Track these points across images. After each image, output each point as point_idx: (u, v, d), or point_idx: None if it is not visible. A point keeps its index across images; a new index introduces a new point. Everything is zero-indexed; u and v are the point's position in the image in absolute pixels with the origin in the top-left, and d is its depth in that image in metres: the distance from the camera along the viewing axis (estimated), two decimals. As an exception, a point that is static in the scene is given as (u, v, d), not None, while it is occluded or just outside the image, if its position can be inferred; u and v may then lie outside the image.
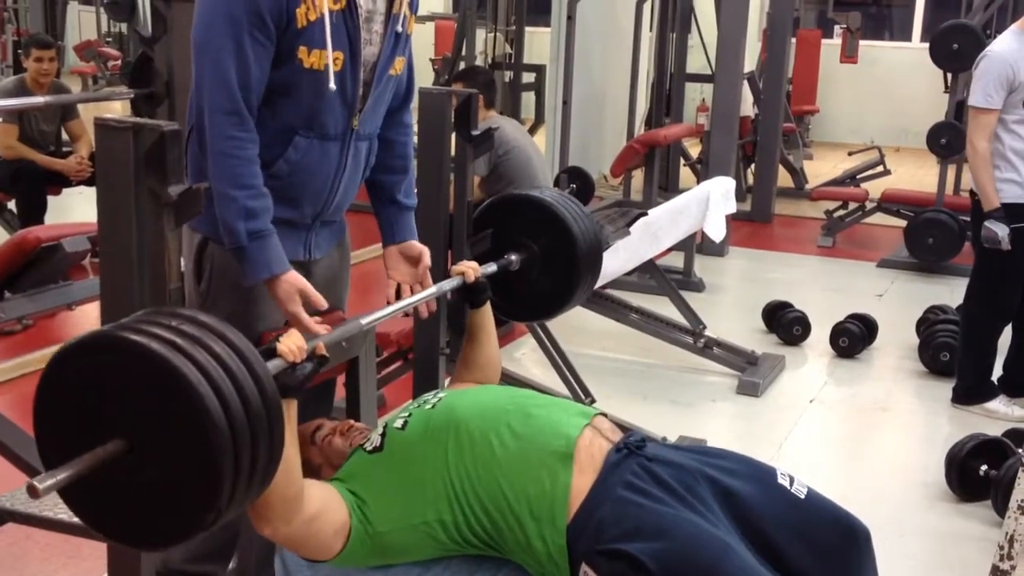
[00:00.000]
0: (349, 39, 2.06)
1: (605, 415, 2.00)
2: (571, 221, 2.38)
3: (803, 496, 1.87)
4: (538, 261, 2.41)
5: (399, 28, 2.16)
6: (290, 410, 1.69)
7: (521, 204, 2.46)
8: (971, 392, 4.23)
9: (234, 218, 1.96)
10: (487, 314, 2.31)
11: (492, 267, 2.30)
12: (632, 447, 1.87)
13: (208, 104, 1.96)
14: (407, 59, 2.23)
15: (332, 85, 2.04)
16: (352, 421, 2.11)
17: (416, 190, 2.64)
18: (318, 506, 1.78)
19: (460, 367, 2.33)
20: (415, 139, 2.46)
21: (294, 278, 2.02)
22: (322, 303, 2.02)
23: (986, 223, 3.92)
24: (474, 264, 2.26)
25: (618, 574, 1.73)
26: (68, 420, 1.39)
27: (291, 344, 1.66)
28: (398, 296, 2.25)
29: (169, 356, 1.33)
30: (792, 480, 1.89)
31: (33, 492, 1.26)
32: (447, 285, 2.21)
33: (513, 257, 2.38)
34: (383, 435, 1.94)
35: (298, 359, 1.66)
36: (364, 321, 1.92)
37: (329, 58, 2.02)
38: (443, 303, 2.57)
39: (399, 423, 1.95)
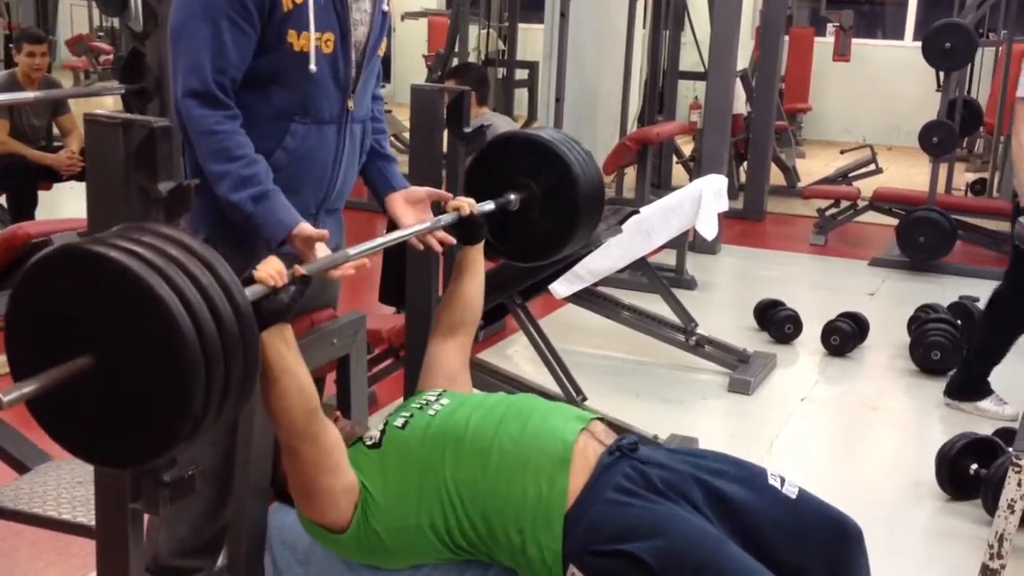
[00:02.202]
0: (339, 20, 2.05)
1: (602, 419, 2.00)
2: (572, 161, 2.34)
3: (794, 496, 1.87)
4: (538, 201, 2.35)
5: (385, 7, 2.16)
6: (285, 333, 1.71)
7: (522, 143, 2.41)
8: (964, 388, 4.22)
9: (231, 191, 1.95)
10: (478, 252, 2.29)
11: (490, 205, 2.25)
12: (625, 450, 1.88)
13: (182, 88, 1.94)
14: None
15: (312, 67, 2.02)
16: (339, 412, 2.11)
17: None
18: (336, 440, 1.82)
19: (442, 307, 2.31)
20: (407, 135, 2.46)
21: (299, 230, 1.98)
22: (324, 234, 1.98)
23: (1020, 219, 3.81)
24: (471, 200, 2.22)
25: (613, 571, 1.73)
26: (38, 335, 1.37)
27: (269, 269, 1.64)
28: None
29: (132, 266, 1.30)
30: (783, 481, 1.89)
31: None
32: (443, 220, 2.17)
33: (512, 196, 2.32)
34: (383, 432, 1.95)
35: (279, 283, 1.63)
36: (352, 251, 1.87)
37: (312, 40, 2.00)
38: (435, 300, 2.57)
39: (400, 422, 1.96)
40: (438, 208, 2.30)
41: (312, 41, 2.01)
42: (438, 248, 2.22)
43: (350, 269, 1.87)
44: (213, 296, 1.35)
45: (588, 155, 2.41)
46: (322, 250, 1.97)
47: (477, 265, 2.30)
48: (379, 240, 1.97)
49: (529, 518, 1.80)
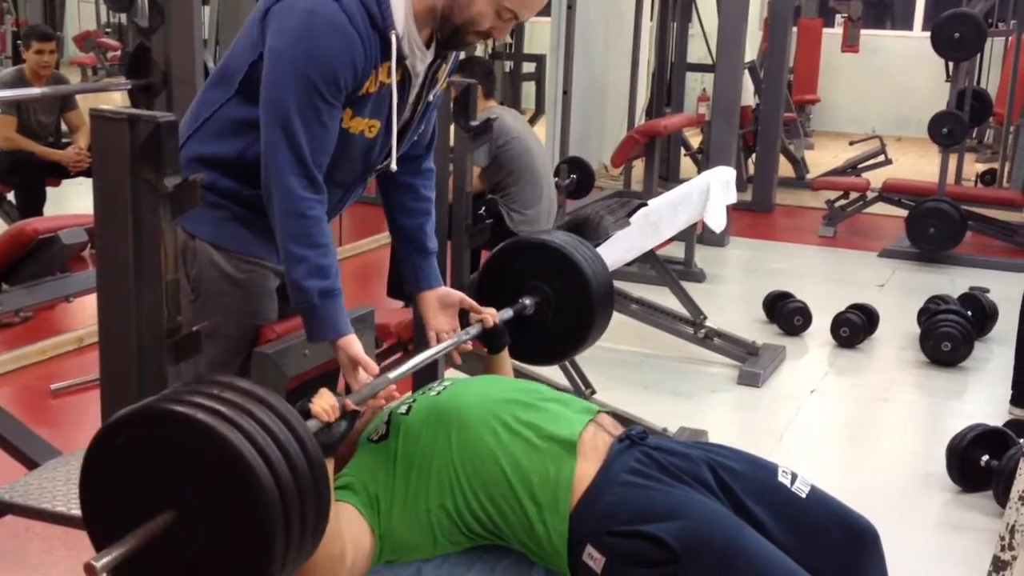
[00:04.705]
0: (389, 109, 2.03)
1: (609, 413, 2.01)
2: (583, 264, 2.39)
3: (804, 495, 1.85)
4: (552, 304, 2.41)
5: (430, 98, 2.14)
6: (328, 469, 1.71)
7: (532, 249, 2.47)
8: (1014, 397, 4.07)
9: (304, 277, 1.94)
10: (505, 360, 2.34)
11: (508, 312, 2.32)
12: (635, 438, 1.90)
13: (277, 165, 1.92)
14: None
15: (393, 166, 2.07)
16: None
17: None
18: (353, 549, 1.79)
19: None
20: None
21: (348, 345, 1.99)
22: (374, 369, 1.98)
23: None
24: (492, 310, 2.27)
25: (632, 550, 1.74)
26: (115, 495, 1.39)
27: (324, 404, 1.67)
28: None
29: (214, 424, 1.33)
30: (794, 478, 1.88)
31: (91, 572, 1.28)
32: (469, 332, 2.23)
33: (527, 301, 2.38)
34: (387, 423, 1.96)
35: (332, 418, 1.67)
36: (392, 375, 1.90)
37: (362, 124, 2.01)
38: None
39: (403, 408, 1.97)
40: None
41: (361, 126, 2.01)
42: (458, 361, 2.28)
43: (382, 401, 1.91)
44: (290, 450, 1.39)
45: (596, 255, 2.47)
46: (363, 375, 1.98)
47: (505, 373, 2.34)
48: (414, 361, 2.03)
49: (535, 498, 1.81)
